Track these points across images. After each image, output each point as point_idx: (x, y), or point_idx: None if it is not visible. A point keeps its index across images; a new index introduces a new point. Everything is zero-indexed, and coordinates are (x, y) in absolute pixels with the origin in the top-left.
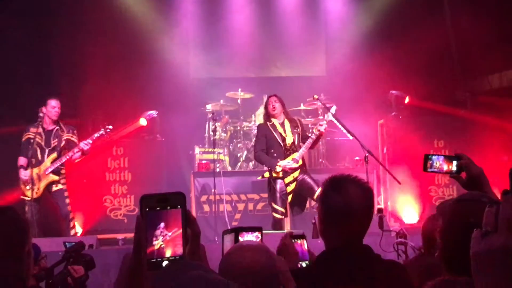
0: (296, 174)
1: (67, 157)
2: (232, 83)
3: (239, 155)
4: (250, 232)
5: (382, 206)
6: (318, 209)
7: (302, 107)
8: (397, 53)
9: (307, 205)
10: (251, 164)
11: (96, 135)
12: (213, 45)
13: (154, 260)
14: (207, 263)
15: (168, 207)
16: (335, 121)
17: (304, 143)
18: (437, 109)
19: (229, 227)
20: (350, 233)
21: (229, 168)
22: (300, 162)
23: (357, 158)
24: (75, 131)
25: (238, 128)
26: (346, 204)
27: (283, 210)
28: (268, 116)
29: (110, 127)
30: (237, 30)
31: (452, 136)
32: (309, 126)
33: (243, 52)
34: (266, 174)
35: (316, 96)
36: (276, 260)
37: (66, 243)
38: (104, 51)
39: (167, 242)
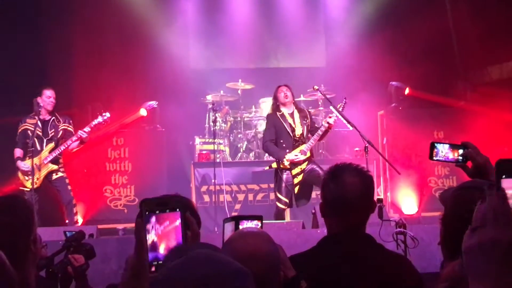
0: (303, 166)
1: (65, 146)
2: (232, 74)
3: (239, 145)
4: (250, 221)
5: (381, 196)
6: (320, 198)
7: (302, 98)
8: (397, 44)
9: (313, 195)
10: (251, 154)
11: (94, 122)
12: (213, 35)
13: (156, 262)
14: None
15: (167, 210)
16: (336, 112)
17: (312, 134)
18: (437, 100)
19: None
20: (350, 221)
21: (229, 159)
22: (308, 154)
23: (357, 148)
24: (70, 121)
25: (239, 118)
26: (343, 193)
27: (287, 201)
28: (277, 106)
29: (108, 114)
30: (237, 20)
31: (452, 127)
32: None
33: (243, 43)
34: (274, 165)
35: (316, 87)
36: (278, 248)
37: (67, 232)
38: (103, 42)
39: (167, 243)
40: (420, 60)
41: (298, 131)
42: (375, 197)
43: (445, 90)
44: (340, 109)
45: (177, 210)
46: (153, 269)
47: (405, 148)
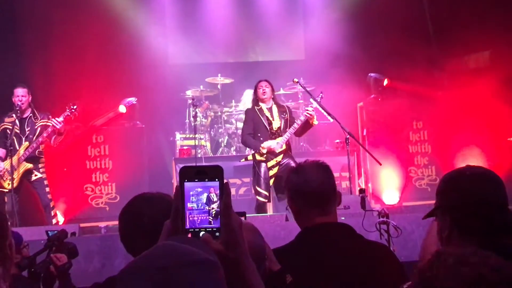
0: (279, 158)
1: (41, 140)
2: (212, 69)
3: (220, 140)
4: None
5: (363, 187)
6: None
7: (282, 91)
8: (375, 35)
9: None
10: (232, 149)
11: (62, 116)
12: (192, 30)
13: (192, 229)
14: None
15: (206, 179)
16: (316, 104)
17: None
18: (416, 90)
19: None
20: (315, 209)
21: (211, 154)
22: (284, 147)
23: (337, 140)
24: (50, 117)
25: (219, 113)
26: (305, 182)
27: (267, 194)
28: (256, 100)
29: (75, 107)
30: (216, 15)
31: (430, 116)
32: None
33: (222, 37)
34: (250, 157)
35: (296, 80)
36: (263, 239)
37: (49, 232)
38: (80, 39)
39: (204, 213)
40: (397, 51)
41: (276, 124)
42: (358, 189)
43: (423, 80)
44: (318, 100)
45: (216, 180)
46: (189, 235)
47: (385, 138)
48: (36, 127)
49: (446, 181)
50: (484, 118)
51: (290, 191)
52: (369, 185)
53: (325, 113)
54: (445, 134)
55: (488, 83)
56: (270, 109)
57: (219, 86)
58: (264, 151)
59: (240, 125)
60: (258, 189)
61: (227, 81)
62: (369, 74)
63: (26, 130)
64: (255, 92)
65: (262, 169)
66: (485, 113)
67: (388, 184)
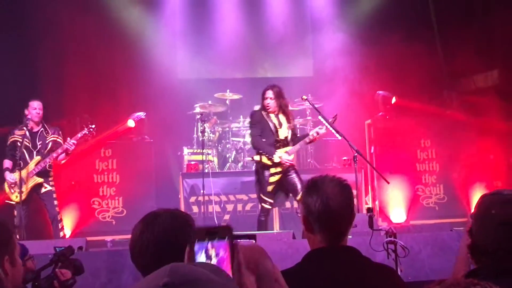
0: (282, 168)
1: (51, 159)
2: (220, 84)
3: (227, 155)
4: (244, 240)
5: (370, 205)
6: (300, 211)
7: (290, 108)
8: (384, 54)
9: (291, 204)
10: (239, 165)
11: (79, 134)
12: (201, 46)
13: None
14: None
15: (217, 239)
16: (325, 123)
17: (293, 139)
18: (424, 109)
19: None
20: (333, 233)
21: (218, 169)
22: (292, 156)
23: (345, 158)
24: (60, 132)
25: (227, 129)
26: (324, 204)
27: (272, 201)
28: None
29: (93, 126)
30: (225, 30)
31: (438, 135)
32: (298, 126)
33: (231, 52)
34: (256, 157)
35: (305, 97)
36: (274, 264)
37: (57, 248)
38: (91, 53)
39: None
40: (407, 69)
41: (283, 133)
42: (366, 207)
43: (432, 99)
44: (331, 122)
45: (226, 239)
46: None
47: (392, 156)
48: (47, 141)
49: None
50: (492, 137)
51: (305, 209)
52: (376, 202)
53: (333, 131)
54: (453, 152)
55: (496, 101)
56: (277, 116)
57: (227, 102)
58: (277, 160)
59: (248, 139)
60: (263, 196)
61: (236, 96)
62: (378, 92)
63: (38, 144)
64: (262, 100)
65: (266, 174)
66: (493, 132)
67: (395, 202)
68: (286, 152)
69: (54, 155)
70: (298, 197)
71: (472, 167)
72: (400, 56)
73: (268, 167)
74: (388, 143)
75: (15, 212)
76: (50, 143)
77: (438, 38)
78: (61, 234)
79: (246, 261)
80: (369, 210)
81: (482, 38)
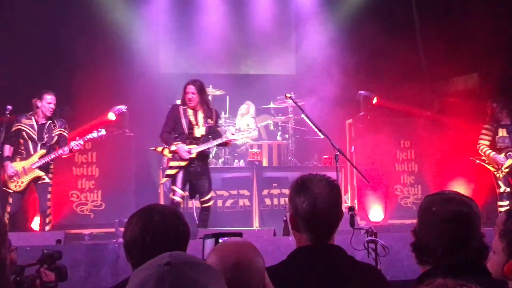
0: (183, 163)
1: (56, 155)
2: (203, 80)
3: None
4: (230, 238)
5: (349, 204)
6: (288, 209)
7: (272, 105)
8: (366, 54)
9: (271, 202)
10: (220, 160)
11: (88, 136)
12: (185, 41)
13: None
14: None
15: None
16: (307, 120)
17: (213, 136)
18: (404, 110)
19: (197, 223)
20: (321, 233)
21: None
22: (193, 155)
23: (325, 156)
24: (66, 126)
25: None
26: (311, 205)
27: (183, 193)
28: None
29: (103, 131)
30: (209, 26)
31: (418, 136)
32: (279, 124)
33: (214, 49)
34: (159, 149)
35: (288, 95)
36: (263, 258)
37: (45, 250)
38: (73, 46)
39: None
40: (388, 70)
41: (199, 131)
42: (346, 205)
43: (413, 100)
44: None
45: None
46: None
47: (372, 156)
48: (54, 135)
49: None
50: (471, 139)
51: (292, 208)
52: (355, 201)
53: (316, 129)
54: (432, 153)
55: (476, 104)
56: (195, 113)
57: (210, 98)
58: (173, 148)
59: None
60: (175, 188)
61: (218, 92)
62: (359, 92)
63: (45, 137)
64: (183, 95)
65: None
66: (472, 134)
67: (374, 202)
68: (190, 149)
69: (60, 151)
70: (202, 199)
71: (450, 168)
72: (382, 56)
73: (169, 160)
74: (368, 142)
75: (10, 200)
76: (56, 137)
77: (420, 40)
78: (47, 228)
79: (239, 259)
80: (351, 209)
81: (463, 41)
